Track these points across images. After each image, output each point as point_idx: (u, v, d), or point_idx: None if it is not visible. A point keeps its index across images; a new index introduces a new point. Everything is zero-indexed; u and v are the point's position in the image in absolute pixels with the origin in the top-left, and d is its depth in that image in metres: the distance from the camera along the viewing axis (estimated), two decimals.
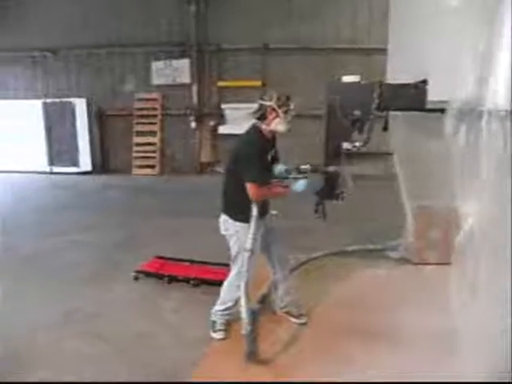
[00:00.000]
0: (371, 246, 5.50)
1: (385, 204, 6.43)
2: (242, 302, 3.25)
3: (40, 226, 6.98)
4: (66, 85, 12.11)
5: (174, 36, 11.36)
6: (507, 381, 2.22)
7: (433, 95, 3.28)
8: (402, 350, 3.37)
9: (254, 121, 3.43)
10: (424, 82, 3.32)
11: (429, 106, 3.38)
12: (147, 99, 11.87)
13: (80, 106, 11.84)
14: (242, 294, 3.26)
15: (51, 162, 12.08)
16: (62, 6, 11.44)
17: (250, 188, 3.26)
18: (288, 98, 3.34)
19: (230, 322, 3.69)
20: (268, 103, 3.29)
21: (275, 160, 3.52)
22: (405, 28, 4.32)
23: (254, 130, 3.42)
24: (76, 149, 11.96)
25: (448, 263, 4.09)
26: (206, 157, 11.79)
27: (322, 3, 10.59)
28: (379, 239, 5.56)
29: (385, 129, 3.67)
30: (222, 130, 11.53)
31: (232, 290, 3.51)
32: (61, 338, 3.69)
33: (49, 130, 12.03)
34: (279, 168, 3.50)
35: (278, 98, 3.29)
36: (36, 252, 5.72)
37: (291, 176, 3.43)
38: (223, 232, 3.52)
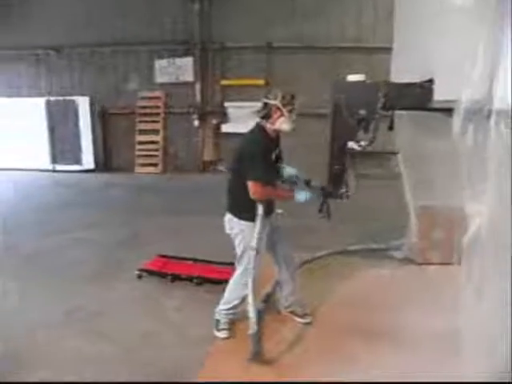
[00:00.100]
0: (375, 246, 5.49)
1: (388, 203, 6.43)
2: (250, 300, 3.25)
3: (43, 223, 6.98)
4: (69, 83, 12.08)
5: (178, 34, 11.33)
6: (507, 381, 2.21)
7: (439, 95, 3.26)
8: (405, 349, 3.36)
9: (257, 119, 3.43)
10: (430, 81, 3.30)
11: (435, 106, 3.35)
12: (150, 97, 11.84)
13: (83, 104, 11.82)
14: (249, 292, 3.26)
15: (54, 160, 12.07)
16: (66, 3, 11.43)
17: (252, 186, 3.24)
18: (293, 97, 3.33)
19: (234, 321, 3.69)
20: (273, 102, 3.28)
21: (279, 159, 3.51)
22: (410, 27, 4.31)
23: (259, 128, 3.41)
24: (79, 147, 11.95)
25: (451, 263, 4.11)
26: (208, 155, 11.77)
27: (327, 2, 10.55)
28: (383, 239, 5.54)
29: (390, 128, 3.65)
30: (224, 128, 11.50)
31: (237, 289, 3.51)
32: (62, 336, 3.69)
33: (52, 128, 12.01)
34: (290, 171, 3.49)
35: (283, 97, 3.28)
36: (38, 250, 5.72)
37: (299, 183, 3.45)
38: (228, 231, 3.51)
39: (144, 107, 11.86)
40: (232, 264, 3.90)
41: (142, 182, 10.71)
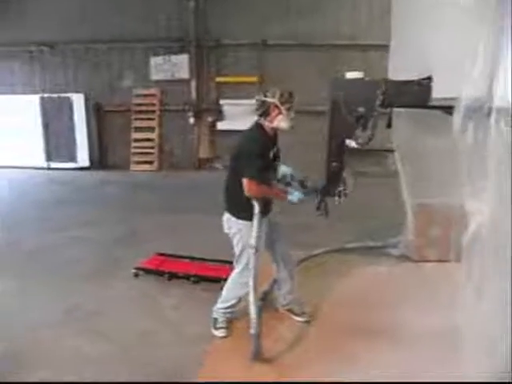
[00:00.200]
0: (372, 244, 5.49)
1: (386, 201, 6.43)
2: (251, 299, 3.24)
3: (38, 221, 6.95)
4: (63, 80, 12.00)
5: (173, 31, 11.29)
6: (507, 381, 2.21)
7: (437, 92, 3.25)
8: (404, 348, 3.36)
9: (253, 117, 3.41)
10: (429, 78, 3.29)
11: (433, 103, 3.35)
12: (146, 95, 11.80)
13: (78, 101, 11.76)
14: (250, 291, 3.25)
15: (49, 158, 12.00)
16: (60, 0, 11.35)
17: (246, 184, 3.23)
18: (291, 95, 3.32)
19: (232, 320, 3.68)
20: (271, 100, 3.26)
21: (277, 158, 3.50)
22: (407, 25, 4.29)
23: (257, 126, 3.39)
24: (74, 144, 11.89)
25: (448, 260, 4.11)
26: (204, 153, 11.76)
27: None
28: (380, 236, 5.55)
29: (388, 126, 3.64)
30: (220, 125, 11.49)
31: (235, 288, 3.51)
32: (62, 336, 3.68)
33: (46, 125, 11.94)
34: (285, 170, 3.48)
35: (281, 95, 3.27)
36: (35, 248, 5.69)
37: (293, 184, 3.43)
38: (226, 230, 3.49)
39: (139, 104, 11.82)
40: (229, 262, 3.90)
41: (138, 180, 10.69)
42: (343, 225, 5.95)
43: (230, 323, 3.66)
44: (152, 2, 11.18)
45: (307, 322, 3.80)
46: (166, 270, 4.67)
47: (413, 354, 3.24)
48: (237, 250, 3.44)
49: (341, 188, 3.60)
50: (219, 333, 3.60)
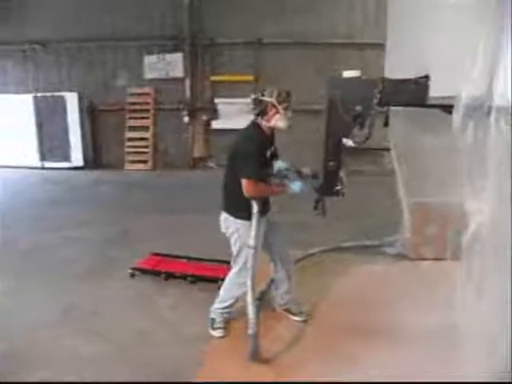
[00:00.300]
0: (368, 242, 5.49)
1: (382, 200, 6.45)
2: (249, 299, 3.22)
3: (33, 221, 6.91)
4: (57, 79, 11.90)
5: (167, 29, 11.23)
6: (507, 381, 2.21)
7: (434, 91, 3.25)
8: (403, 347, 3.36)
9: (248, 116, 3.40)
10: (426, 77, 3.28)
11: (430, 102, 3.34)
12: (140, 94, 11.73)
13: (71, 100, 11.66)
14: (248, 291, 3.23)
15: (43, 157, 11.91)
16: None
17: (245, 185, 3.21)
18: (288, 94, 3.31)
19: (229, 320, 3.67)
20: (268, 99, 3.25)
21: (274, 157, 3.48)
22: (404, 23, 4.29)
23: (254, 126, 3.38)
24: (68, 144, 11.80)
25: (444, 259, 4.12)
26: (198, 152, 11.72)
27: None
28: (376, 235, 5.55)
29: (385, 124, 3.64)
30: (215, 124, 11.46)
31: (233, 288, 3.49)
32: (60, 336, 3.65)
33: (40, 124, 11.85)
34: (279, 165, 3.47)
35: (279, 94, 3.25)
36: (31, 248, 5.65)
37: (291, 175, 3.41)
38: (223, 230, 3.48)
39: (133, 103, 11.77)
40: (226, 262, 3.88)
41: (132, 179, 10.64)
42: (341, 224, 5.96)
43: (227, 323, 3.64)
44: (146, 1, 11.12)
45: (305, 321, 3.79)
46: (162, 270, 4.64)
47: (411, 354, 3.24)
48: (234, 250, 3.43)
49: (338, 187, 3.60)
50: (217, 333, 3.59)
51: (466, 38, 2.70)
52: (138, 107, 11.76)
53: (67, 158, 11.83)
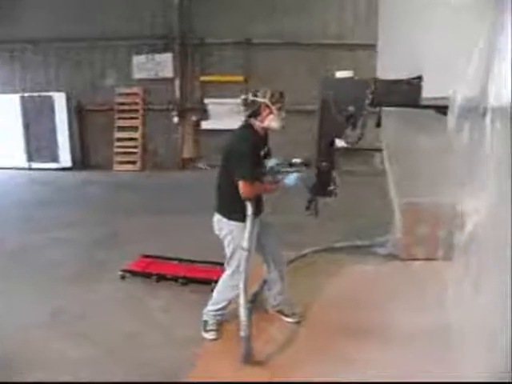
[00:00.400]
0: (360, 243, 5.49)
1: (373, 200, 6.46)
2: (241, 302, 3.19)
3: (20, 222, 6.83)
4: (44, 79, 11.77)
5: (157, 29, 11.16)
6: (507, 381, 2.21)
7: (427, 92, 3.26)
8: (396, 347, 3.35)
9: (238, 116, 3.38)
10: (419, 78, 3.29)
11: (423, 103, 3.35)
12: (128, 94, 11.65)
13: (59, 100, 11.53)
14: (241, 294, 3.20)
15: (30, 158, 11.76)
16: None
17: (242, 186, 3.19)
18: (282, 95, 3.30)
19: (222, 322, 3.64)
20: (262, 99, 3.23)
21: (268, 157, 3.46)
22: (396, 24, 4.30)
23: (247, 126, 3.36)
24: (55, 144, 11.65)
25: (436, 259, 4.14)
26: (188, 152, 11.66)
27: None
28: (368, 235, 5.55)
29: (378, 125, 3.64)
30: (204, 125, 11.43)
31: (226, 290, 3.46)
32: (49, 339, 3.58)
33: (27, 125, 11.70)
34: (270, 163, 3.44)
35: (272, 95, 3.24)
36: (17, 249, 5.57)
37: (283, 170, 3.39)
38: (217, 232, 3.45)
39: (122, 103, 11.69)
40: (218, 264, 3.85)
41: (121, 180, 10.54)
42: (333, 224, 5.95)
43: (220, 326, 3.61)
44: (136, 0, 11.04)
45: (298, 322, 3.77)
46: (153, 272, 4.59)
47: (405, 354, 3.24)
48: (228, 252, 3.40)
49: (331, 187, 3.59)
50: (209, 335, 3.55)
51: (459, 37, 2.72)
52: (126, 107, 11.67)
53: (55, 159, 11.70)
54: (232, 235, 3.33)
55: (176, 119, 11.44)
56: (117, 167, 11.63)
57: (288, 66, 10.62)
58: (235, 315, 3.37)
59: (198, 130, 11.53)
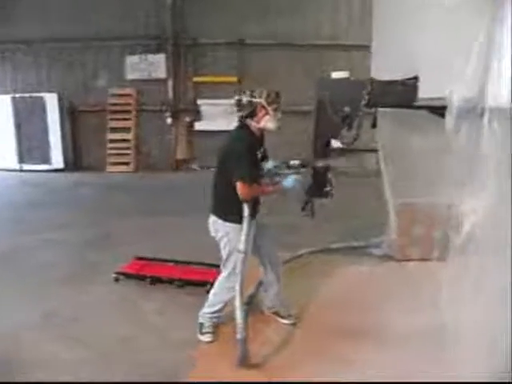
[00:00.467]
0: (355, 244, 5.49)
1: (369, 201, 6.46)
2: (237, 304, 3.17)
3: (11, 224, 6.77)
4: (35, 79, 11.65)
5: (150, 29, 11.11)
6: (507, 381, 2.20)
7: (423, 92, 3.25)
8: (392, 348, 3.34)
9: (232, 117, 3.36)
10: (415, 78, 3.29)
11: (419, 104, 3.34)
12: (121, 95, 11.58)
13: (51, 101, 11.42)
14: (237, 296, 3.18)
15: (21, 160, 11.63)
16: None
17: (240, 187, 3.17)
18: (278, 95, 3.28)
19: (218, 325, 3.61)
20: (258, 100, 3.21)
21: (264, 158, 3.45)
22: (390, 25, 4.29)
23: (243, 127, 3.33)
24: (47, 145, 11.54)
25: (431, 259, 4.14)
26: (181, 153, 11.62)
27: None
28: (363, 236, 5.55)
29: (373, 125, 3.63)
30: (198, 126, 11.39)
31: (222, 292, 3.44)
32: (40, 342, 3.53)
33: (18, 126, 11.57)
34: (268, 165, 3.42)
35: (268, 95, 3.22)
36: (8, 251, 5.50)
37: (281, 172, 3.37)
38: (213, 234, 3.42)
39: (115, 104, 11.61)
40: (214, 266, 3.82)
41: (114, 181, 10.46)
42: (329, 225, 5.94)
43: (216, 328, 3.59)
44: (130, 0, 10.97)
45: (293, 324, 3.76)
46: (148, 275, 4.55)
47: (400, 354, 3.23)
48: (224, 254, 3.37)
49: (327, 188, 3.58)
50: (205, 338, 3.53)
51: (454, 37, 2.71)
52: (119, 108, 11.60)
53: (47, 160, 11.58)
54: (228, 237, 3.30)
55: (169, 120, 11.39)
56: (109, 168, 11.55)
57: (282, 66, 10.62)
58: (231, 317, 3.34)
59: (192, 131, 11.48)
